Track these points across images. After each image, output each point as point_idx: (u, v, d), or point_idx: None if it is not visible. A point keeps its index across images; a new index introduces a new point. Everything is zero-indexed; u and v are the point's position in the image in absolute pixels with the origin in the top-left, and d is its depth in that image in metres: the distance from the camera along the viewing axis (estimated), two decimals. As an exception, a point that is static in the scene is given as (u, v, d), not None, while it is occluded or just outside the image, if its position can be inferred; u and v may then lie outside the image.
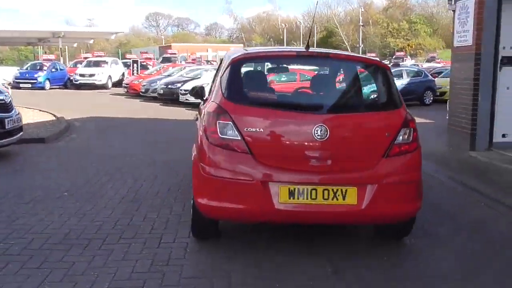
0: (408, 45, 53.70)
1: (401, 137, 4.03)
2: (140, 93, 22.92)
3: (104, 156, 8.19)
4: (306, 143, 3.90)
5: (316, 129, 3.86)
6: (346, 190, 3.89)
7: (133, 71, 28.78)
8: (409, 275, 3.89)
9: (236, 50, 4.88)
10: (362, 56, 4.29)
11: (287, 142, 3.94)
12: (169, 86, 20.99)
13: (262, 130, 3.92)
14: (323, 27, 70.07)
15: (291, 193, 3.87)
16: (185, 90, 19.22)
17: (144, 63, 32.40)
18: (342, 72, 4.44)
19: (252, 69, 4.80)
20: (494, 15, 8.44)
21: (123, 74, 31.82)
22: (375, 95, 4.30)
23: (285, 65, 4.67)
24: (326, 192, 3.88)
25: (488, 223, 5.17)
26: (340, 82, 4.46)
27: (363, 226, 4.74)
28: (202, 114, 4.89)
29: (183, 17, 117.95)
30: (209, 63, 35.79)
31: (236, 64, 4.25)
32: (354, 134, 4.02)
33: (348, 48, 51.34)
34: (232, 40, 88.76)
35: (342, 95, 4.43)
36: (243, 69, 4.40)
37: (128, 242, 4.36)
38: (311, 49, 4.34)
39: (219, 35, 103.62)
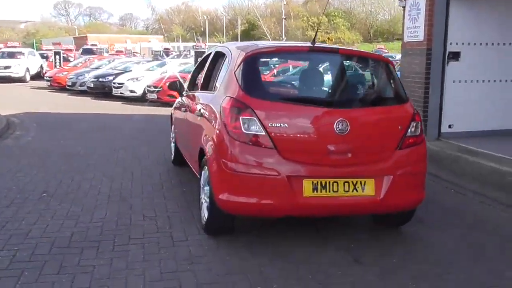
0: (329, 38, 55.29)
1: (411, 130, 4.23)
2: (66, 87, 21.95)
3: (65, 154, 7.81)
4: (327, 137, 3.98)
5: (338, 123, 3.95)
6: (365, 182, 4.03)
7: (55, 63, 27.38)
8: (419, 259, 4.08)
9: (241, 44, 4.86)
10: (367, 51, 4.43)
11: (310, 137, 4.01)
12: (100, 79, 20.29)
13: (286, 125, 3.95)
14: (244, 20, 70.41)
15: (315, 187, 3.95)
16: (119, 83, 18.71)
17: (65, 55, 30.91)
18: (352, 67, 4.55)
19: (268, 63, 4.77)
20: (443, 12, 8.96)
21: (41, 66, 30.28)
22: (386, 90, 4.46)
23: (296, 60, 4.68)
24: (346, 184, 4.00)
25: (463, 207, 5.54)
26: (352, 77, 4.57)
27: (362, 216, 4.90)
28: (199, 109, 4.84)
29: (94, 6, 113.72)
30: (133, 55, 34.81)
31: (251, 58, 4.24)
32: (371, 128, 4.16)
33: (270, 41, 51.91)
34: (150, 31, 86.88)
35: (357, 90, 4.56)
36: (260, 64, 4.39)
37: (140, 243, 4.23)
38: (316, 45, 4.43)
39: (135, 26, 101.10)
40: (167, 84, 6.43)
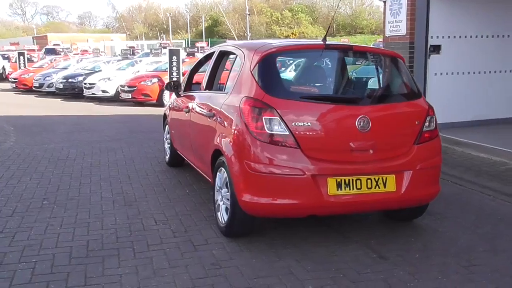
0: (292, 33, 55.59)
1: (427, 124, 4.28)
2: (33, 88, 21.35)
3: (54, 159, 7.58)
4: (350, 135, 3.98)
5: (359, 120, 3.96)
6: (386, 178, 4.05)
7: (19, 64, 26.55)
8: (440, 252, 4.13)
9: (253, 42, 4.80)
10: (380, 48, 4.42)
11: (332, 135, 4.00)
12: (70, 80, 19.82)
13: (308, 124, 3.93)
14: (207, 16, 69.96)
15: (339, 185, 3.94)
16: (90, 84, 18.31)
17: (28, 56, 30.00)
18: (367, 63, 4.56)
19: (285, 62, 4.70)
20: (425, 6, 9.11)
21: (3, 68, 29.38)
22: (401, 86, 4.49)
23: (311, 58, 4.65)
24: (369, 181, 4.01)
25: (464, 198, 5.65)
26: (369, 74, 4.58)
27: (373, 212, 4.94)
28: (209, 110, 4.76)
29: (51, 4, 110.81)
30: (99, 54, 34.07)
31: (269, 57, 4.19)
32: (391, 124, 4.19)
33: (235, 37, 51.87)
34: (111, 30, 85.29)
35: (375, 86, 4.56)
36: (278, 63, 4.35)
37: (160, 248, 4.14)
38: (328, 42, 4.41)
39: (95, 25, 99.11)
40: (165, 85, 6.26)
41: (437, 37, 9.38)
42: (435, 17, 9.22)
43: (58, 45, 39.22)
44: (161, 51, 24.32)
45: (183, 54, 18.53)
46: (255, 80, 4.12)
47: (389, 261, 3.94)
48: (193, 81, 6.41)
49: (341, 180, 3.95)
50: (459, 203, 5.45)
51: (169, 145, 7.06)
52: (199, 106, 5.25)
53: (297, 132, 3.89)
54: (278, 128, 3.89)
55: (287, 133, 3.88)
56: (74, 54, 32.31)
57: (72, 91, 19.53)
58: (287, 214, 4.11)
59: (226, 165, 4.18)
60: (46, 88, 20.92)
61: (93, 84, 18.18)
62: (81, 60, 23.39)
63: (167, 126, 7.15)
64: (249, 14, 56.83)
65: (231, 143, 4.16)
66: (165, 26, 71.73)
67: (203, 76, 5.67)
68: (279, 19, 61.73)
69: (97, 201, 5.43)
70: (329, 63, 4.39)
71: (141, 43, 50.17)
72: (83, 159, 7.62)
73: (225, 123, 4.34)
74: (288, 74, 15.61)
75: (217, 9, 68.28)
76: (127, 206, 5.25)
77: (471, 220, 4.93)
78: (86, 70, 20.62)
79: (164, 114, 7.28)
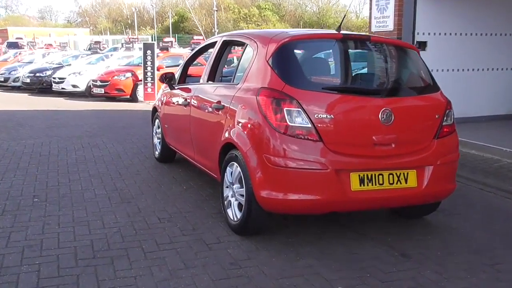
0: (260, 30, 55.28)
1: (446, 119, 4.16)
2: (-3, 83, 20.49)
3: (35, 155, 7.19)
4: (372, 128, 3.83)
5: (382, 113, 3.81)
6: (407, 173, 3.92)
7: (-19, 58, 25.47)
8: (461, 250, 4.03)
9: (266, 31, 4.57)
10: (397, 39, 4.26)
11: (355, 128, 3.84)
12: (37, 74, 19.09)
13: (331, 116, 3.75)
14: (174, 12, 69.01)
15: (361, 180, 3.79)
16: (59, 78, 17.68)
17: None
18: (385, 54, 4.40)
19: (303, 51, 4.50)
20: (412, 2, 9.09)
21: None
22: (420, 78, 4.36)
23: (328, 48, 4.45)
24: (391, 176, 3.87)
25: (467, 195, 5.60)
26: (388, 65, 4.42)
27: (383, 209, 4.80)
28: (216, 102, 4.54)
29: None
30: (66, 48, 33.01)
31: (287, 45, 3.99)
32: (413, 117, 4.05)
33: (202, 34, 51.26)
34: (73, 25, 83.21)
35: (396, 78, 4.40)
36: (296, 52, 4.14)
37: (171, 248, 3.90)
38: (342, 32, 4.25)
39: (55, 19, 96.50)
40: (159, 77, 5.98)
41: (423, 33, 9.37)
42: (422, 14, 9.20)
43: (21, 38, 37.90)
44: (132, 46, 23.71)
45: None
46: (273, 69, 3.92)
47: (413, 259, 3.81)
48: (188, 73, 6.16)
49: (363, 175, 3.79)
50: (462, 200, 5.37)
51: (159, 140, 6.77)
52: (201, 99, 5.01)
53: (319, 125, 3.71)
54: (300, 120, 3.70)
55: (309, 125, 3.70)
56: (38, 48, 31.22)
57: (40, 85, 18.84)
58: (308, 210, 3.92)
59: (241, 160, 3.96)
60: (12, 83, 20.14)
61: (63, 78, 17.56)
62: (47, 54, 22.60)
63: (157, 121, 6.86)
64: (216, 10, 56.40)
65: (247, 136, 3.94)
66: (129, 21, 70.44)
67: (196, 69, 5.42)
68: (247, 16, 61.45)
69: (92, 198, 5.12)
70: (347, 54, 4.21)
71: (105, 38, 49.01)
72: (66, 154, 7.24)
73: (238, 115, 4.11)
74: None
75: (183, 4, 67.50)
76: (125, 203, 4.97)
77: (480, 217, 4.87)
78: (54, 64, 19.93)
79: (154, 108, 6.98)
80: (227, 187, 4.35)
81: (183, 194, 5.35)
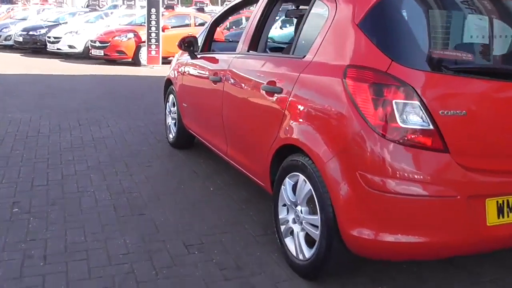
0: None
1: None
2: (-14, 42, 18.98)
3: (22, 135, 5.87)
4: (514, 131, 2.49)
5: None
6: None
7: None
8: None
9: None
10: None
11: (493, 130, 2.49)
12: (30, 33, 17.62)
13: (464, 113, 2.40)
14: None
15: (500, 209, 2.47)
16: (54, 38, 16.20)
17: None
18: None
19: (417, 8, 2.94)
20: None
21: None
22: None
23: (447, 7, 2.95)
24: (545, 203, 2.54)
25: None
26: None
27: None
28: (268, 81, 3.20)
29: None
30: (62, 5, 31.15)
31: (390, 1, 2.60)
32: None
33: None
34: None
35: None
36: (406, 9, 2.71)
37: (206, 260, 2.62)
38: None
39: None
40: (178, 43, 4.57)
41: None
42: None
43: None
44: (134, 3, 22.02)
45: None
46: (368, 37, 2.53)
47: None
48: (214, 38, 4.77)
49: (503, 201, 2.48)
50: None
51: (174, 121, 5.42)
52: (242, 77, 3.63)
53: (445, 127, 2.37)
54: (417, 120, 2.35)
55: (431, 127, 2.35)
56: (33, 4, 29.41)
57: (34, 45, 17.43)
58: (422, 256, 2.61)
59: (314, 173, 2.63)
60: (3, 41, 18.70)
61: (59, 38, 16.08)
62: (42, 11, 20.96)
63: (171, 96, 5.49)
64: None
65: (325, 140, 2.59)
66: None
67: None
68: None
69: (92, 208, 3.81)
70: (493, 14, 2.80)
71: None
72: (59, 135, 5.91)
73: (310, 104, 2.76)
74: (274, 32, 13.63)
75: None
76: (136, 217, 3.67)
77: None
78: (49, 22, 18.39)
79: (168, 79, 5.59)
80: (284, 205, 3.04)
81: (211, 200, 4.06)
